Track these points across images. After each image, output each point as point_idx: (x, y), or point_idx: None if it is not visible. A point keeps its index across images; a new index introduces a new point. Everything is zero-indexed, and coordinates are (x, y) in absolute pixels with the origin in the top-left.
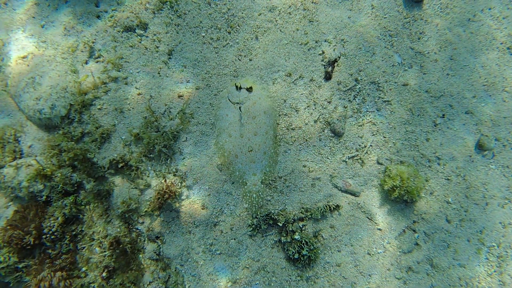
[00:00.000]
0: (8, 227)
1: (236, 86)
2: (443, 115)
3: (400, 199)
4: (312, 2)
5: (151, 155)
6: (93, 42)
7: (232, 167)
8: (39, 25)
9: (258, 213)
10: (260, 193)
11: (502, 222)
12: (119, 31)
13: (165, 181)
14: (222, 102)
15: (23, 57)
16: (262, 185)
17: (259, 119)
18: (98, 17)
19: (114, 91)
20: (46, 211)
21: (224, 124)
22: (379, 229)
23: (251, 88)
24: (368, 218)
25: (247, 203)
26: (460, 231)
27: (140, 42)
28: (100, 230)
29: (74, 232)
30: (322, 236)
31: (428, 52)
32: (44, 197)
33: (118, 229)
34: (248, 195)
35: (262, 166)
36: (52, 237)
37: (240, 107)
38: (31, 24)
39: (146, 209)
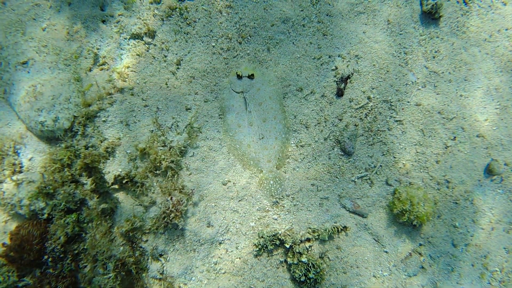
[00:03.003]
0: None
1: (238, 75)
2: (455, 137)
3: (408, 223)
4: (327, 15)
5: (157, 171)
6: (97, 49)
7: (246, 157)
8: (40, 28)
9: (265, 233)
10: (277, 179)
11: (507, 247)
12: (125, 38)
13: (171, 199)
14: (225, 93)
15: (23, 63)
16: (278, 171)
17: (266, 105)
18: (104, 21)
19: (119, 102)
20: (47, 230)
21: (232, 115)
22: (386, 252)
23: (252, 75)
24: (375, 240)
25: (265, 191)
26: (465, 256)
27: (147, 51)
28: (104, 251)
29: (76, 251)
30: (328, 257)
31: (443, 72)
32: (46, 215)
33: (122, 248)
34: (266, 182)
35: (275, 152)
36: (54, 256)
37: (245, 96)
38: (31, 26)
39: (150, 226)
